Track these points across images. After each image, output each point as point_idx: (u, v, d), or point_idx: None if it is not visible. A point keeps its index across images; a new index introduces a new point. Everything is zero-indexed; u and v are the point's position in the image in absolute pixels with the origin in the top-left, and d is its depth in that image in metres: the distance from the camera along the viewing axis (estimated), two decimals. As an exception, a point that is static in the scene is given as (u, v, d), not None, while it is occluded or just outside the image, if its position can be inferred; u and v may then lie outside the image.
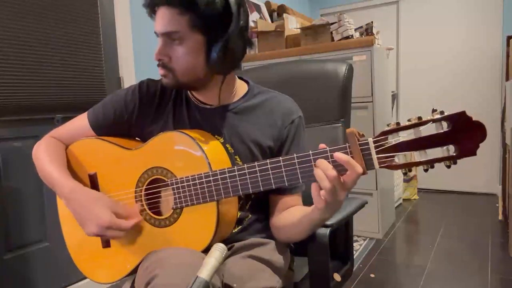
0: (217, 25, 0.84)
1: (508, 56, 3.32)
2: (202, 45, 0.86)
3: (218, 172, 0.81)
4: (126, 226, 0.87)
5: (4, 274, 1.79)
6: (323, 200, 0.73)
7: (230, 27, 0.84)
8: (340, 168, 0.70)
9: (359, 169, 0.68)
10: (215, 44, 0.85)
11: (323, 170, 0.70)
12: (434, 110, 0.64)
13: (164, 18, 0.85)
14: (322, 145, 0.73)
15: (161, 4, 0.85)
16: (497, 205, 3.38)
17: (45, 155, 0.97)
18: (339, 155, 0.69)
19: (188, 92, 1.00)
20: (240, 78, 1.04)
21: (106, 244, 0.97)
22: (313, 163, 0.73)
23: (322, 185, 0.71)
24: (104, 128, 1.01)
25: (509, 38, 3.31)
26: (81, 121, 1.03)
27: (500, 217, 3.03)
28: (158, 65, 0.90)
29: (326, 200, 0.73)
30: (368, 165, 0.68)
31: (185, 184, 0.85)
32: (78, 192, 0.89)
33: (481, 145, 0.62)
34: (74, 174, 1.00)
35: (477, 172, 3.77)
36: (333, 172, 0.69)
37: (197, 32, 0.85)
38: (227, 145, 0.94)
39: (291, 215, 0.92)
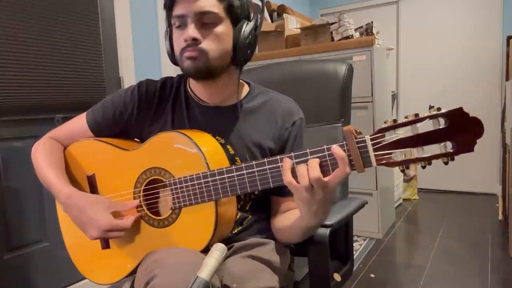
0: (245, 15, 0.89)
1: (508, 56, 3.32)
2: (230, 32, 0.88)
3: (216, 171, 0.81)
4: (126, 225, 0.87)
5: (4, 274, 1.79)
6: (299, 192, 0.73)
7: (256, 19, 0.90)
8: (327, 169, 0.71)
9: (348, 170, 0.69)
10: (241, 33, 0.87)
11: (308, 167, 0.71)
12: (431, 107, 0.64)
13: None
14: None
15: None
16: (497, 205, 3.38)
17: (42, 158, 0.97)
18: (337, 150, 0.69)
19: (189, 90, 0.99)
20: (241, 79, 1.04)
21: (105, 245, 0.97)
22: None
23: (301, 181, 0.71)
24: (103, 129, 1.01)
25: (509, 38, 3.31)
26: (79, 122, 1.02)
27: (500, 217, 3.03)
28: (187, 47, 0.85)
29: (302, 194, 0.73)
30: (365, 162, 0.68)
31: (183, 184, 0.85)
32: (74, 198, 0.89)
33: (481, 144, 0.62)
34: (72, 175, 1.01)
35: (477, 172, 3.77)
36: (317, 173, 0.70)
37: (228, 18, 0.87)
38: (228, 146, 0.94)
39: (287, 219, 0.92)
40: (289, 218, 0.91)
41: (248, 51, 0.90)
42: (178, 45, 0.88)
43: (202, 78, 0.92)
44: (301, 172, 0.71)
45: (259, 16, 0.91)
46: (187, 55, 0.86)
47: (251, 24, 0.89)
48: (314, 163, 0.71)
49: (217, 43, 0.86)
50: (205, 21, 0.85)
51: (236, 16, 0.87)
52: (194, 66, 0.87)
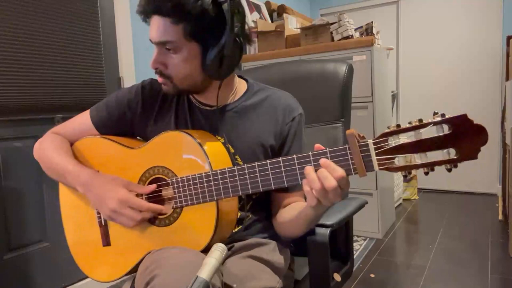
0: (211, 32, 0.83)
1: (508, 56, 3.32)
2: (197, 53, 0.86)
3: (218, 172, 0.81)
4: (141, 205, 0.86)
5: (4, 274, 1.79)
6: (316, 198, 0.72)
7: (224, 35, 0.83)
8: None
9: (341, 172, 0.69)
10: (210, 51, 0.84)
11: (321, 179, 0.70)
12: (435, 113, 0.63)
13: (158, 27, 0.84)
14: (317, 145, 0.73)
15: (153, 13, 0.84)
16: (497, 205, 3.39)
17: (51, 148, 0.98)
18: (323, 160, 0.70)
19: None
20: (239, 76, 1.04)
21: (106, 242, 0.97)
22: (312, 164, 0.72)
23: (314, 187, 0.70)
24: (107, 127, 1.01)
25: (509, 38, 3.31)
26: (83, 119, 1.03)
27: (500, 217, 3.04)
28: (156, 73, 0.90)
29: (318, 199, 0.72)
30: (367, 166, 0.68)
31: (185, 183, 0.85)
32: (97, 177, 0.91)
33: (481, 144, 0.62)
34: None
35: (477, 172, 3.77)
36: (333, 183, 0.69)
37: (191, 40, 0.84)
38: (228, 145, 0.94)
39: (290, 211, 0.92)
40: (292, 211, 0.91)
41: (223, 65, 0.86)
42: None
43: (177, 95, 0.96)
44: (324, 174, 0.70)
45: (230, 27, 0.83)
46: (159, 81, 0.92)
47: (222, 39, 0.83)
48: (329, 163, 0.70)
49: (180, 68, 0.87)
50: (167, 47, 0.85)
51: (201, 35, 0.84)
52: (166, 90, 0.93)
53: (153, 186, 0.91)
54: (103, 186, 0.89)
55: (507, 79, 3.31)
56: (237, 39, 0.86)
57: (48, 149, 0.98)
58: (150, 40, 0.88)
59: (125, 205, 0.85)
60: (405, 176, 0.67)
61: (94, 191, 0.89)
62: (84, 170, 0.93)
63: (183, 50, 0.85)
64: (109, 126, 1.01)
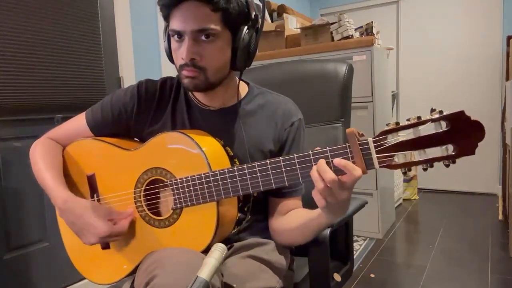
0: (245, 21, 0.86)
1: (508, 56, 3.32)
2: (229, 42, 0.86)
3: (218, 172, 0.81)
4: (123, 230, 0.88)
5: (4, 274, 1.79)
6: (323, 199, 0.72)
7: (258, 24, 0.87)
8: (339, 169, 0.70)
9: (358, 172, 0.68)
10: (241, 41, 0.85)
11: (320, 172, 0.70)
12: (433, 110, 0.64)
13: (197, 14, 0.80)
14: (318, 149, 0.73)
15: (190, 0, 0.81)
16: (497, 205, 3.38)
17: (40, 158, 0.96)
18: (338, 161, 0.69)
19: (190, 93, 0.99)
20: (241, 79, 1.03)
21: (105, 245, 0.96)
22: (313, 163, 0.72)
23: (317, 186, 0.70)
24: (103, 129, 1.00)
25: (509, 38, 3.31)
26: (79, 122, 1.02)
27: (500, 217, 3.04)
28: (185, 66, 0.84)
29: (326, 200, 0.72)
30: (368, 164, 0.68)
31: (184, 184, 0.85)
32: (70, 202, 0.89)
33: (481, 145, 0.62)
34: (72, 175, 1.00)
35: (477, 172, 3.77)
36: (330, 175, 0.68)
37: (227, 29, 0.84)
38: (227, 148, 0.94)
39: (295, 219, 0.91)
40: (291, 221, 0.90)
41: (249, 56, 0.89)
42: (177, 59, 0.87)
43: (201, 91, 0.92)
44: (315, 176, 0.70)
45: (259, 18, 0.88)
46: (185, 74, 0.86)
47: (251, 29, 0.87)
48: (322, 164, 0.70)
49: (215, 58, 0.85)
50: (203, 37, 0.82)
51: (234, 25, 0.85)
52: (193, 84, 0.87)
53: (130, 210, 0.92)
54: (80, 216, 0.87)
55: (507, 79, 3.31)
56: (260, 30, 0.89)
57: (36, 159, 0.97)
58: (176, 31, 0.83)
59: (105, 238, 0.86)
60: (404, 173, 0.67)
61: (70, 219, 0.88)
62: (59, 193, 0.90)
63: (220, 39, 0.84)
64: (105, 128, 1.00)
